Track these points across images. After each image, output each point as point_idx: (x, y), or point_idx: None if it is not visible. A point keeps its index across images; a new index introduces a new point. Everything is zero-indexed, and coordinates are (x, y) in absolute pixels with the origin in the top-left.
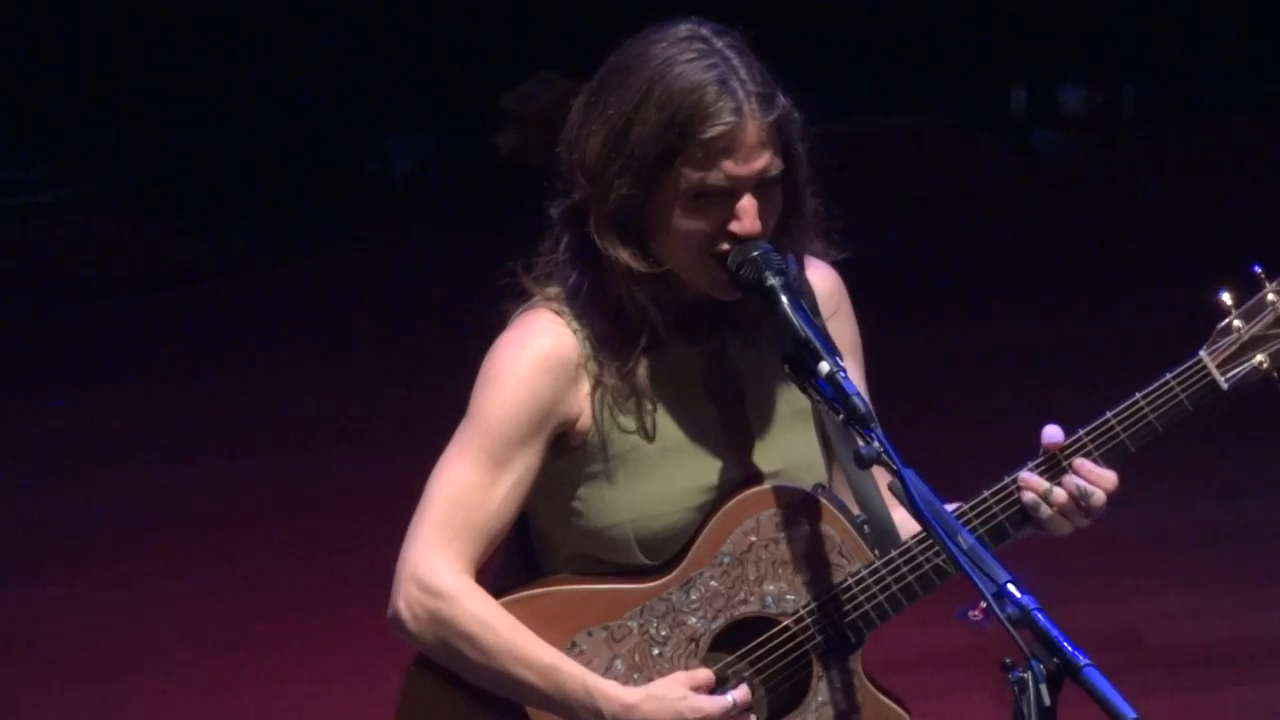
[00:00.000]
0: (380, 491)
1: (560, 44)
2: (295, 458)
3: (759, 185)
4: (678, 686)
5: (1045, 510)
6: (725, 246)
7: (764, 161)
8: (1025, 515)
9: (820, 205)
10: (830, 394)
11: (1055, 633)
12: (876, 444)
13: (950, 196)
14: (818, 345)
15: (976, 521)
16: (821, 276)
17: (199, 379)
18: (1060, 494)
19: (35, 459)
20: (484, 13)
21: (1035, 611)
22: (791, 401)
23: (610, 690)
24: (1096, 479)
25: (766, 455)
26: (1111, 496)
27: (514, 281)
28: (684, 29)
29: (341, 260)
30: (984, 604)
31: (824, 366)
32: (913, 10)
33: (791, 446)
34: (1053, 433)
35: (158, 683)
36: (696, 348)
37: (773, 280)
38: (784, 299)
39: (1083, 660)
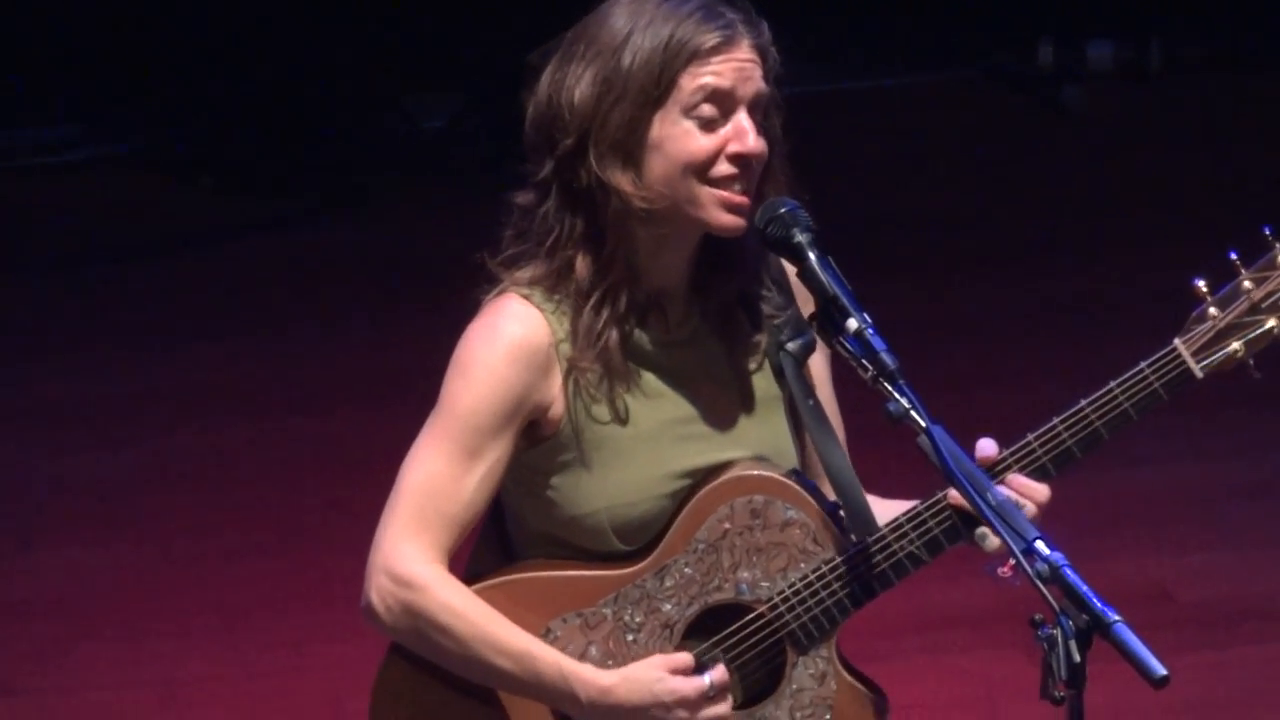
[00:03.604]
0: None
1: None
2: (325, 419)
3: (752, 108)
4: (654, 669)
5: (980, 529)
6: (725, 169)
7: (758, 80)
8: (959, 531)
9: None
10: (859, 350)
11: (1085, 589)
12: (904, 400)
13: (978, 153)
14: (846, 302)
15: (914, 534)
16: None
17: (226, 340)
18: None
19: (62, 421)
20: None
21: (1064, 568)
22: (762, 389)
23: (586, 674)
24: (1029, 493)
25: (739, 442)
26: (1045, 509)
27: (483, 268)
28: None
29: (371, 221)
30: (1013, 561)
31: (852, 323)
32: None
33: (763, 433)
34: (986, 445)
35: (185, 643)
36: (669, 335)
37: (800, 237)
38: (812, 255)
39: (1113, 617)
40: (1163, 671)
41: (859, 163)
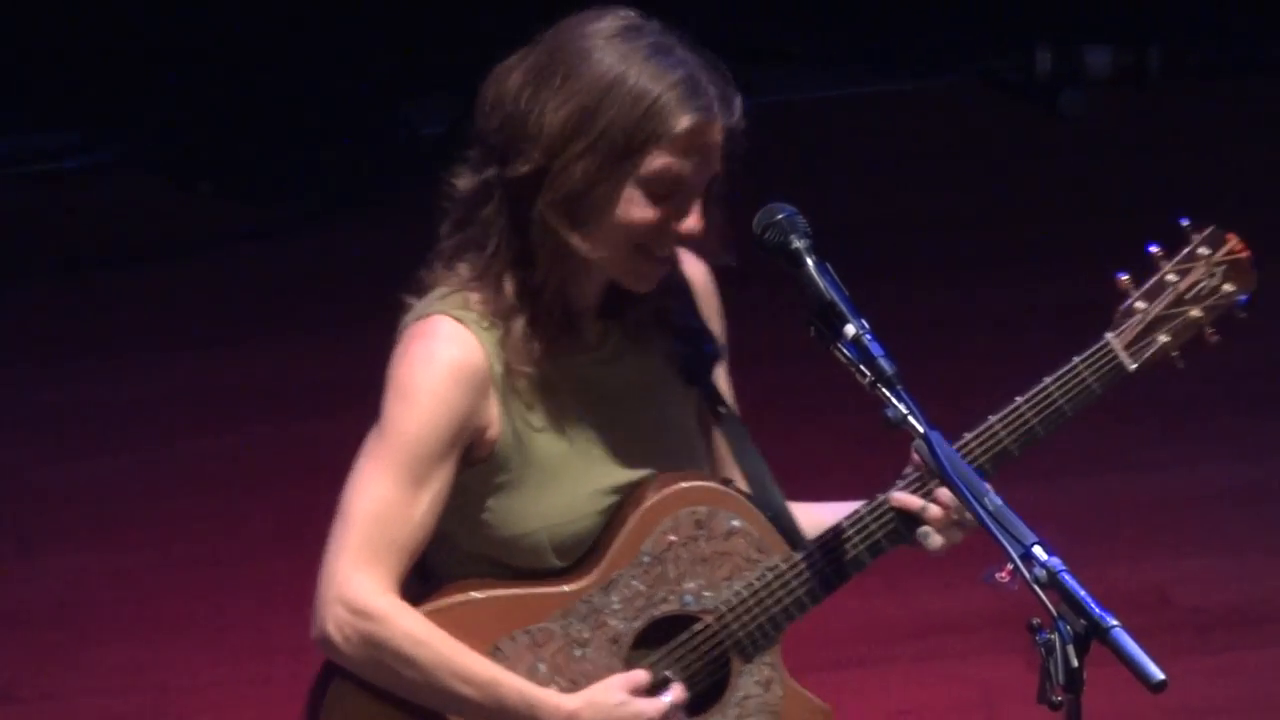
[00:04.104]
0: None
1: (581, 3)
2: (324, 424)
3: (703, 190)
4: (616, 691)
5: (922, 529)
6: (662, 244)
7: (716, 164)
8: (900, 533)
9: (724, 211)
10: (857, 356)
11: (1082, 594)
12: (902, 406)
13: (975, 159)
14: (843, 308)
15: (856, 538)
16: (698, 271)
17: (228, 345)
18: (935, 511)
19: (61, 426)
20: None
21: (1062, 573)
22: (677, 401)
23: (551, 700)
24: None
25: (660, 454)
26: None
27: (420, 277)
28: (631, 16)
29: (371, 226)
30: (1010, 566)
31: (850, 329)
32: None
33: (680, 444)
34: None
35: (185, 649)
36: (590, 353)
37: (798, 243)
38: (809, 261)
39: (1110, 622)
40: (1160, 676)
41: (857, 168)
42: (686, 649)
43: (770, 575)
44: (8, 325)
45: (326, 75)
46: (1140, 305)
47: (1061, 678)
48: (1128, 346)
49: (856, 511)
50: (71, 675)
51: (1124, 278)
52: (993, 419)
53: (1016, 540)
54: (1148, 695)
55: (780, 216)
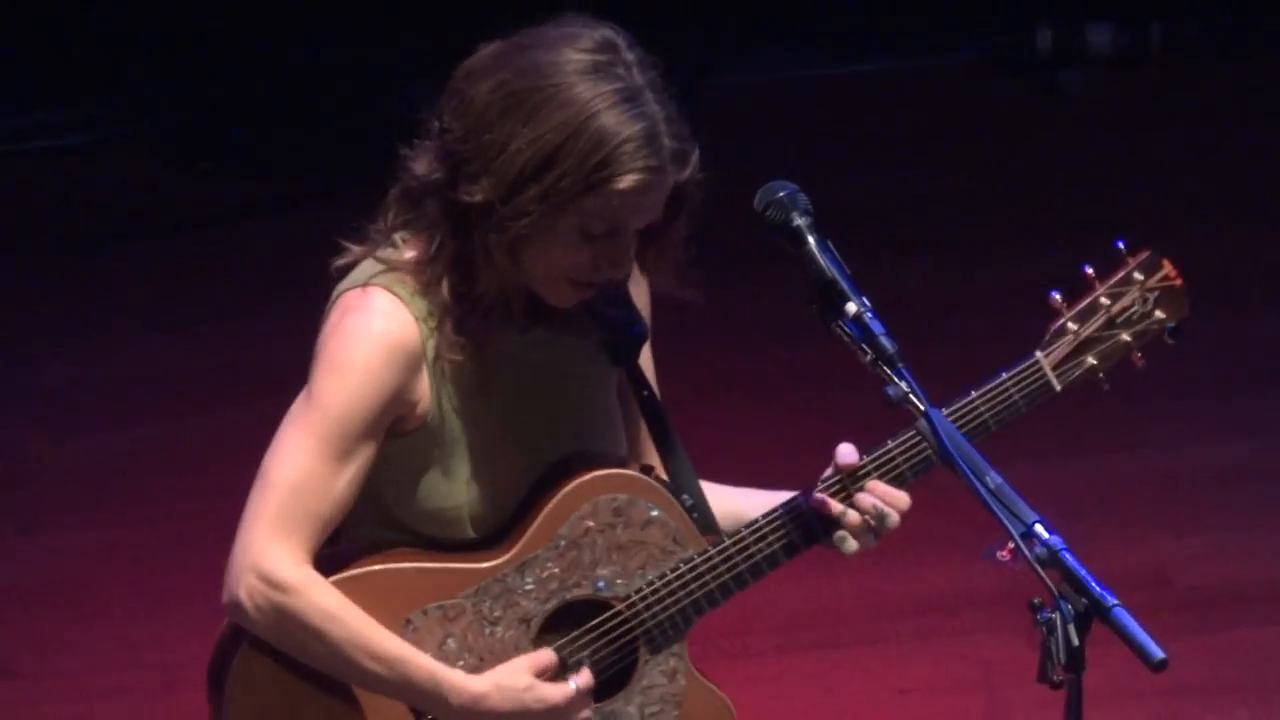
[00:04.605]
0: None
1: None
2: None
3: (638, 230)
4: (522, 674)
5: (839, 533)
6: (589, 278)
7: (656, 212)
8: (816, 534)
9: (685, 249)
10: (858, 334)
11: (1083, 573)
12: (903, 384)
13: (975, 137)
14: (844, 286)
15: (771, 536)
16: (641, 290)
17: (227, 322)
18: (854, 516)
19: (63, 404)
20: None
21: (1063, 552)
22: (600, 381)
23: (457, 681)
24: (892, 500)
25: (586, 435)
26: (904, 516)
27: (343, 250)
28: (608, 43)
29: (371, 204)
30: (1011, 545)
31: (851, 307)
32: None
33: (609, 427)
34: (847, 452)
35: (187, 626)
36: (521, 334)
37: (799, 220)
38: (811, 239)
39: (1111, 601)
40: (1161, 655)
41: (857, 146)
42: (595, 634)
43: (684, 567)
44: (7, 303)
45: (326, 53)
46: (1071, 326)
47: (1063, 657)
48: (1056, 366)
49: (775, 510)
50: (71, 652)
51: (1056, 296)
52: (923, 423)
53: (1017, 519)
54: (1149, 674)
55: (781, 194)
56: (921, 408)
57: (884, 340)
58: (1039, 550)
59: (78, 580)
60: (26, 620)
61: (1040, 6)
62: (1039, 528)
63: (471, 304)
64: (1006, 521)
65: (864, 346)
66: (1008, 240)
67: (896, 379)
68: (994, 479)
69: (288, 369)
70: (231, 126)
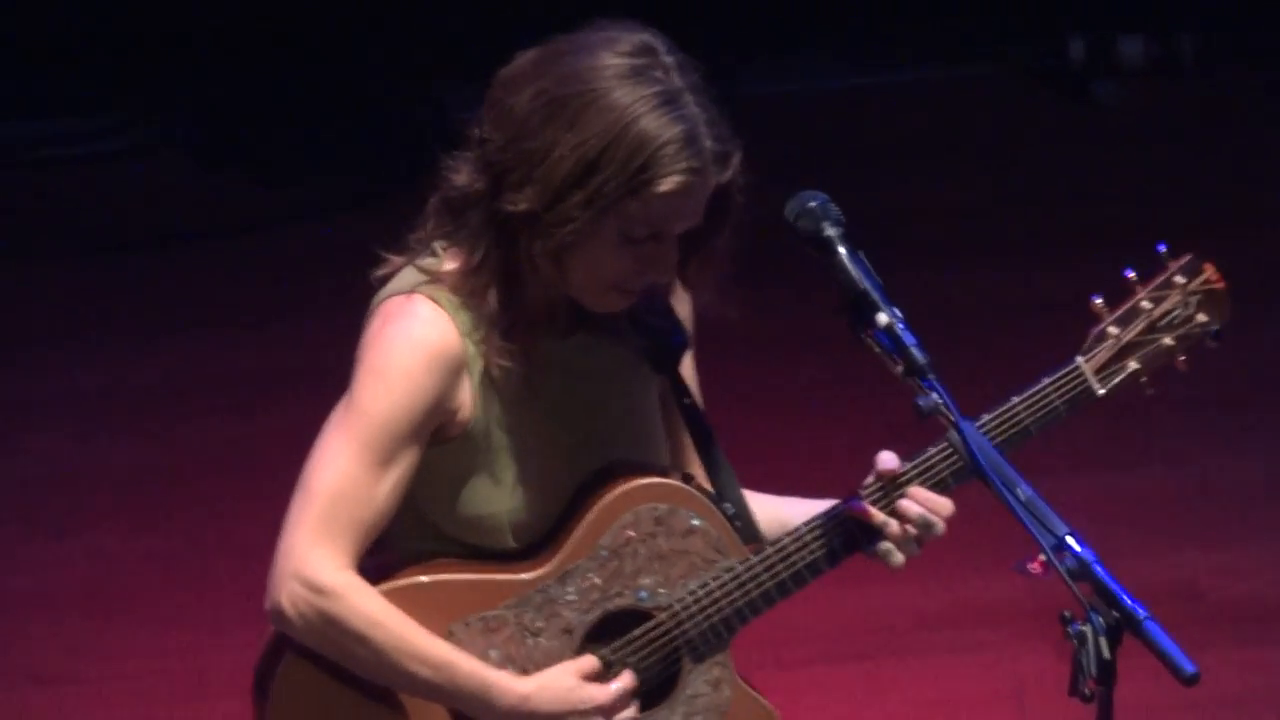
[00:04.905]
0: None
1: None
2: None
3: (680, 234)
4: (568, 676)
5: (883, 545)
6: (633, 284)
7: (699, 216)
8: (859, 543)
9: (728, 264)
10: (889, 345)
11: (1115, 586)
12: (935, 396)
13: (1009, 148)
14: (876, 296)
15: (814, 544)
16: (683, 301)
17: (257, 329)
18: (896, 526)
19: (93, 409)
20: None
21: (1095, 564)
22: (642, 390)
23: (505, 683)
24: (935, 506)
25: (628, 443)
26: (950, 522)
27: (383, 260)
28: (646, 46)
29: (401, 212)
30: (1043, 557)
31: (882, 318)
32: None
33: (650, 435)
34: (888, 459)
35: (216, 632)
36: (561, 339)
37: (830, 231)
38: (841, 250)
39: (1143, 613)
40: (1193, 668)
41: (890, 156)
42: (638, 644)
43: (726, 576)
44: (37, 308)
45: (357, 58)
46: (1113, 330)
47: (1094, 669)
48: (1098, 371)
49: (817, 517)
50: (100, 659)
51: (1098, 301)
52: (954, 434)
53: (1049, 531)
54: (1180, 688)
55: (812, 204)
56: (953, 419)
57: (915, 351)
58: (1070, 562)
59: (108, 587)
60: (56, 626)
61: (1073, 18)
62: (1070, 540)
63: (519, 311)
64: (1038, 533)
65: (895, 357)
66: (1040, 249)
67: (928, 390)
68: (1025, 491)
69: (319, 375)
70: (261, 132)
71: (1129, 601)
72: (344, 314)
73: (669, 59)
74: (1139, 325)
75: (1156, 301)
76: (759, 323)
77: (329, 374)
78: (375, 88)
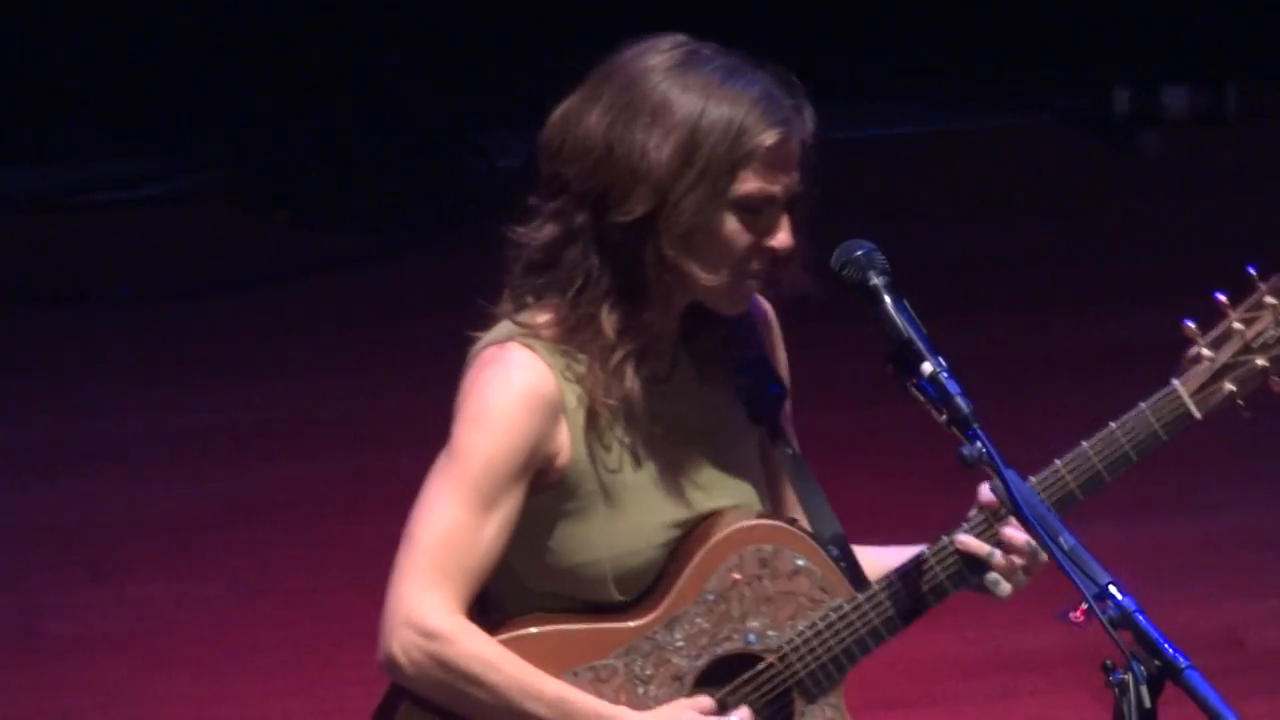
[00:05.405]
0: None
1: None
2: (401, 455)
3: (790, 201)
4: (685, 710)
5: (990, 576)
6: (758, 264)
7: (799, 175)
8: (965, 577)
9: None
10: (933, 394)
11: (1156, 634)
12: (980, 445)
13: (1053, 198)
14: (921, 346)
15: (920, 580)
16: (764, 310)
17: (301, 375)
18: (1000, 557)
19: (134, 454)
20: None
21: (1136, 613)
22: (740, 436)
23: (622, 715)
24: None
25: (723, 490)
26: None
27: (487, 311)
28: (682, 41)
29: (447, 259)
30: (1085, 605)
31: (927, 367)
32: (1013, 11)
33: (750, 482)
34: (989, 491)
35: (255, 679)
36: (658, 384)
37: (876, 280)
38: (888, 299)
39: (1184, 662)
40: (1234, 717)
41: (935, 205)
42: (750, 688)
43: (834, 615)
44: (81, 353)
45: (404, 106)
46: (1207, 353)
47: (1135, 717)
48: (1194, 394)
49: (921, 554)
50: (140, 704)
51: (1190, 325)
52: (1058, 462)
53: (1091, 580)
54: None
55: (859, 253)
56: (997, 468)
57: (959, 400)
58: (1112, 611)
59: (148, 631)
60: (94, 671)
61: (1117, 68)
62: (1112, 589)
63: (634, 334)
64: (1080, 582)
65: (939, 406)
66: (1086, 299)
67: (972, 439)
68: (1068, 540)
69: (361, 424)
70: (309, 179)
71: (1170, 650)
72: (388, 362)
73: (707, 48)
74: (1232, 347)
75: (1248, 323)
76: (830, 369)
77: (372, 423)
78: (423, 135)
